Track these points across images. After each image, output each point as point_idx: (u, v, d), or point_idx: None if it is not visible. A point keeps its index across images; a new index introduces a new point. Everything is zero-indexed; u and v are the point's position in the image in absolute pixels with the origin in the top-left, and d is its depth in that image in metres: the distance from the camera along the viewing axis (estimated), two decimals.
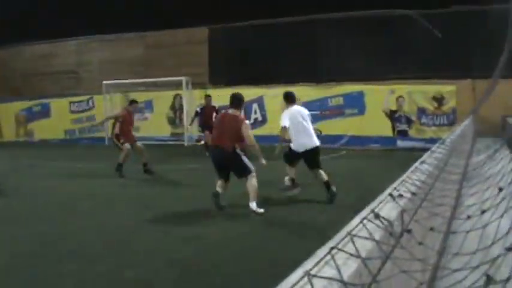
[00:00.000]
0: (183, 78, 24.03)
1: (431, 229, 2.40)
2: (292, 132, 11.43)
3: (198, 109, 20.22)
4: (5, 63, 30.23)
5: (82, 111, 28.20)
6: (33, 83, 29.59)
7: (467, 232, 2.60)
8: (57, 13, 26.78)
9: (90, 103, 27.92)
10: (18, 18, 27.97)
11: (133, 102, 16.64)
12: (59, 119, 28.53)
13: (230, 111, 10.68)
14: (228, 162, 10.41)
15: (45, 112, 29.24)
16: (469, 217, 2.90)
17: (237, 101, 10.77)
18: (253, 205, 9.90)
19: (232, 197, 11.27)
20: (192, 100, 24.73)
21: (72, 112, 28.34)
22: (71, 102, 28.32)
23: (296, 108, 11.78)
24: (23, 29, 28.22)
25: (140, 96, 26.00)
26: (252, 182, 10.29)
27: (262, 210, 9.80)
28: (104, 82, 25.82)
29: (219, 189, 10.39)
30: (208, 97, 20.29)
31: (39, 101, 29.25)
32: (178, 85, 24.14)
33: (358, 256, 1.62)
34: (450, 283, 1.93)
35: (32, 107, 29.63)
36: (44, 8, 27.10)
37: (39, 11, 27.20)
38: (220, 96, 24.24)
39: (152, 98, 26.09)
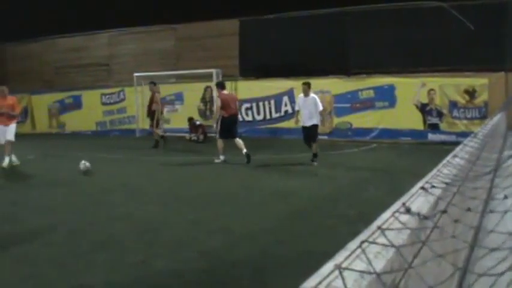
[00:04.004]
0: (214, 71, 24.04)
1: (469, 209, 2.37)
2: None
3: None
4: (38, 56, 30.57)
5: (113, 103, 28.40)
6: (66, 75, 29.88)
7: (505, 212, 2.56)
8: (89, 6, 27.00)
9: (122, 95, 28.09)
10: (51, 12, 28.23)
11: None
12: (91, 110, 28.77)
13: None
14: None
15: (77, 104, 29.52)
16: (506, 197, 2.86)
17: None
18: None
19: (261, 192, 11.34)
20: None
21: (104, 104, 28.57)
22: (102, 94, 28.54)
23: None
24: (55, 22, 28.49)
25: (171, 88, 26.20)
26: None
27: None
28: (135, 74, 25.94)
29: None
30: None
31: (71, 93, 29.53)
32: (208, 77, 24.15)
33: (391, 245, 1.61)
34: (488, 264, 1.91)
35: (64, 99, 29.92)
36: (76, 2, 27.35)
37: (71, 4, 27.46)
38: (251, 90, 24.40)
39: (183, 90, 26.17)
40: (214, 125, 16.32)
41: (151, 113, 20.60)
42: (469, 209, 2.37)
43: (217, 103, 16.16)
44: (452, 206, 2.28)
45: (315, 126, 15.38)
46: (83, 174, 13.36)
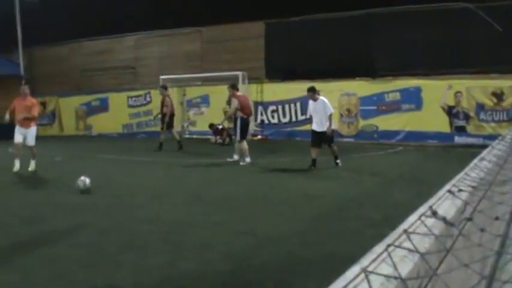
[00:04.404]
0: (240, 73, 24.09)
1: (497, 218, 2.34)
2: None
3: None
4: (65, 59, 30.93)
5: (139, 106, 28.61)
6: (93, 78, 30.21)
7: None
8: (116, 9, 27.22)
9: (148, 98, 28.29)
10: (78, 16, 28.53)
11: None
12: (117, 113, 29.02)
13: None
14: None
15: (103, 106, 29.79)
16: None
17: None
18: None
19: (286, 194, 11.33)
20: (248, 95, 24.81)
21: (130, 106, 28.78)
22: (128, 97, 28.77)
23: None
24: (82, 25, 28.80)
25: (197, 91, 26.34)
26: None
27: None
28: (161, 77, 26.08)
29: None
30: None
31: (98, 95, 29.81)
32: (234, 79, 24.18)
33: (416, 251, 1.61)
34: None
35: (91, 102, 30.21)
36: (102, 5, 27.60)
37: (98, 8, 27.71)
38: (276, 92, 24.44)
39: (209, 93, 26.29)
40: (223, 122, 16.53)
41: (163, 116, 20.72)
42: (497, 218, 2.35)
43: (234, 104, 16.11)
44: (479, 213, 2.26)
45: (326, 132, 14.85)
46: (81, 193, 11.12)
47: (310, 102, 15.25)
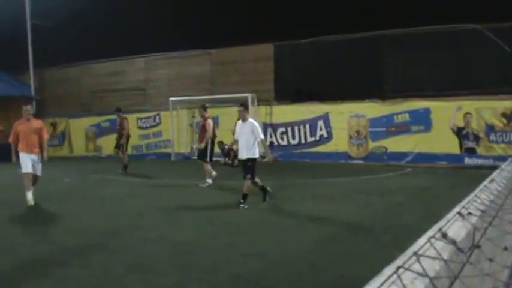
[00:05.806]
0: (249, 95, 24.09)
1: (505, 248, 2.34)
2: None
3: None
4: (75, 80, 31.04)
5: (149, 127, 28.62)
6: (102, 99, 30.26)
7: None
8: (126, 31, 27.38)
9: (157, 119, 28.32)
10: (89, 37, 28.71)
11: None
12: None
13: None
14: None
15: (113, 128, 29.81)
16: None
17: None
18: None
19: (295, 217, 11.31)
20: (257, 116, 24.81)
21: (140, 128, 28.78)
22: (138, 119, 28.77)
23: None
24: (93, 47, 28.97)
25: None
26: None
27: None
28: (171, 99, 26.18)
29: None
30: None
31: (108, 116, 29.84)
32: (244, 101, 24.14)
33: (425, 275, 1.60)
34: None
35: (101, 123, 30.25)
36: (113, 27, 27.77)
37: (108, 29, 27.88)
38: (286, 114, 24.45)
39: (218, 115, 26.27)
40: (203, 146, 16.27)
41: (120, 138, 21.10)
42: (505, 248, 2.34)
43: (210, 125, 16.40)
44: (488, 241, 2.25)
45: (250, 160, 12.43)
46: None
47: (238, 123, 12.99)
